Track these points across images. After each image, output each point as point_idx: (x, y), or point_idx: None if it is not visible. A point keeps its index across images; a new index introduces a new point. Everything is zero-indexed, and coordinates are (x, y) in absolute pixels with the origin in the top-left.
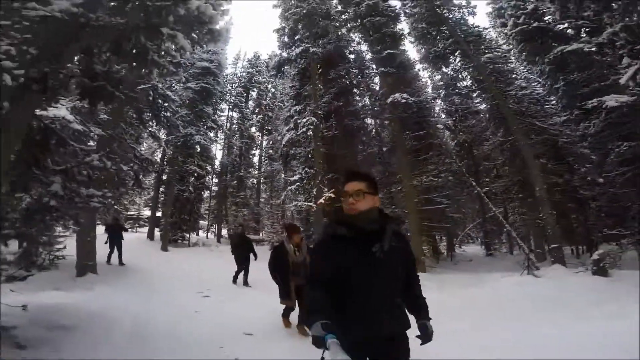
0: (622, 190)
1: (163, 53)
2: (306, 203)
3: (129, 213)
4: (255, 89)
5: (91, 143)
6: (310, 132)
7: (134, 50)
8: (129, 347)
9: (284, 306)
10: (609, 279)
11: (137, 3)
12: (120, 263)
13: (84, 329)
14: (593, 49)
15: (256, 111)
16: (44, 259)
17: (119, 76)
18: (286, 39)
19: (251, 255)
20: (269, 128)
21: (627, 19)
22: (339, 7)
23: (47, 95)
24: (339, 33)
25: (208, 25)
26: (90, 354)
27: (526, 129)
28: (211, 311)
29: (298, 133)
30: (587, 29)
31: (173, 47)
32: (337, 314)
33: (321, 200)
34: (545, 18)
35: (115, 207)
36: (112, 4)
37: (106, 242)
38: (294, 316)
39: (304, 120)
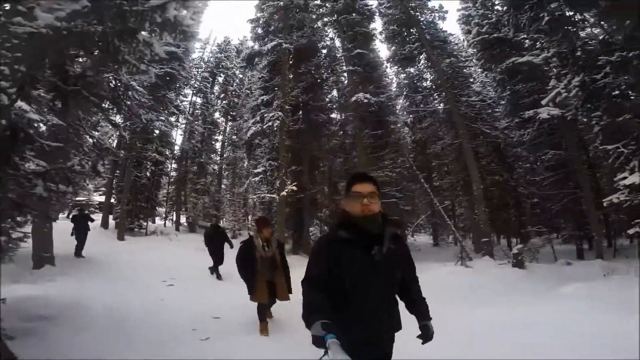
0: (547, 192)
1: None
2: (269, 195)
3: (77, 199)
4: (222, 75)
5: (42, 127)
6: (276, 125)
7: (106, 50)
8: (108, 333)
9: (248, 294)
10: (525, 271)
11: (114, 7)
12: (79, 254)
13: (62, 318)
14: (542, 62)
15: (221, 96)
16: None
17: (92, 80)
18: (260, 31)
19: (226, 245)
20: (234, 114)
21: (559, 47)
22: (318, 0)
23: (23, 99)
24: (314, 26)
25: (183, 27)
26: (73, 341)
27: (471, 133)
28: (177, 299)
29: (264, 126)
30: (542, 42)
31: (148, 52)
32: (335, 314)
33: (283, 193)
34: (505, 29)
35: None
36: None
37: (72, 234)
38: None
39: (271, 114)
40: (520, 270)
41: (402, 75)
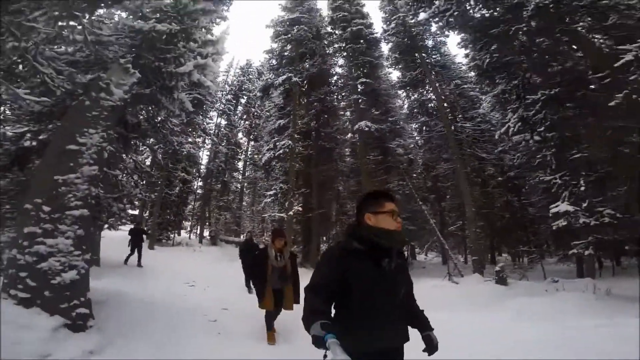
0: (538, 215)
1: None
2: (279, 214)
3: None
4: (244, 97)
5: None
6: (287, 153)
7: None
8: (141, 313)
9: (252, 293)
10: (505, 287)
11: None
12: (139, 264)
13: (111, 303)
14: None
15: (244, 117)
16: None
17: (144, 128)
18: (274, 62)
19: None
20: (255, 134)
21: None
22: (328, 28)
23: None
24: (326, 52)
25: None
26: (122, 316)
27: (469, 157)
28: (196, 296)
29: (276, 153)
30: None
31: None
32: (344, 324)
33: (290, 212)
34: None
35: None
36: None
37: (129, 245)
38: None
39: (282, 142)
40: (501, 287)
41: (414, 96)
